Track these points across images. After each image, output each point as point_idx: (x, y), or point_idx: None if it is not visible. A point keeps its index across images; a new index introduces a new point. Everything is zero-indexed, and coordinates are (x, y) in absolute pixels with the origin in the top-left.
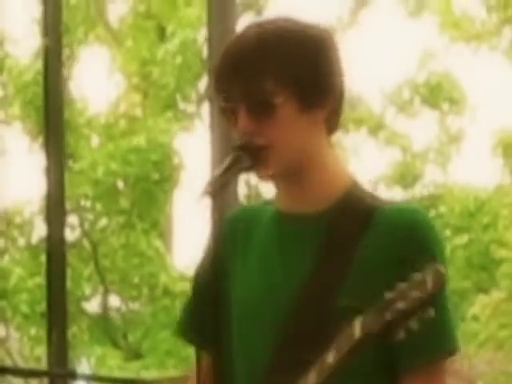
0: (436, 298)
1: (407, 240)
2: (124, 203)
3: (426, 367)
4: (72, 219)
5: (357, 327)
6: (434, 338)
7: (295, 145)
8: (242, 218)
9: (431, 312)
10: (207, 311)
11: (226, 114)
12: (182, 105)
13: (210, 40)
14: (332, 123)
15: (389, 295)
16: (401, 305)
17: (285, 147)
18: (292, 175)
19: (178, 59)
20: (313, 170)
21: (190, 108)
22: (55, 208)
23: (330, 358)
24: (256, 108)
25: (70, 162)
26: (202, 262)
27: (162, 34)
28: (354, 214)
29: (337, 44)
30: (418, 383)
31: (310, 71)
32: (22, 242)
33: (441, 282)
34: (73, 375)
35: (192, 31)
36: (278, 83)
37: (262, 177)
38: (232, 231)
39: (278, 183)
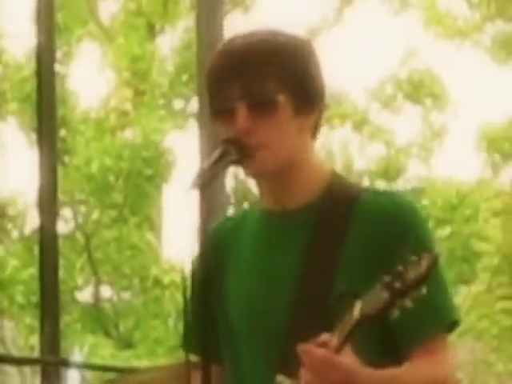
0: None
1: (392, 224)
2: (117, 197)
3: (427, 343)
4: (66, 212)
5: (356, 310)
6: (429, 313)
7: (288, 146)
8: (226, 229)
9: (424, 290)
10: (208, 325)
11: (219, 113)
12: (176, 103)
13: (199, 38)
14: (315, 131)
15: (386, 278)
16: (397, 285)
17: (279, 147)
18: (280, 174)
19: (175, 58)
20: (299, 170)
21: (184, 106)
22: (48, 201)
23: (334, 340)
24: (258, 107)
25: (66, 158)
26: (193, 280)
27: (152, 31)
28: (338, 203)
29: (317, 54)
30: (422, 358)
31: (303, 78)
32: (15, 233)
33: (433, 261)
34: (64, 363)
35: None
36: (280, 83)
37: (251, 174)
38: (218, 245)
39: (263, 182)
